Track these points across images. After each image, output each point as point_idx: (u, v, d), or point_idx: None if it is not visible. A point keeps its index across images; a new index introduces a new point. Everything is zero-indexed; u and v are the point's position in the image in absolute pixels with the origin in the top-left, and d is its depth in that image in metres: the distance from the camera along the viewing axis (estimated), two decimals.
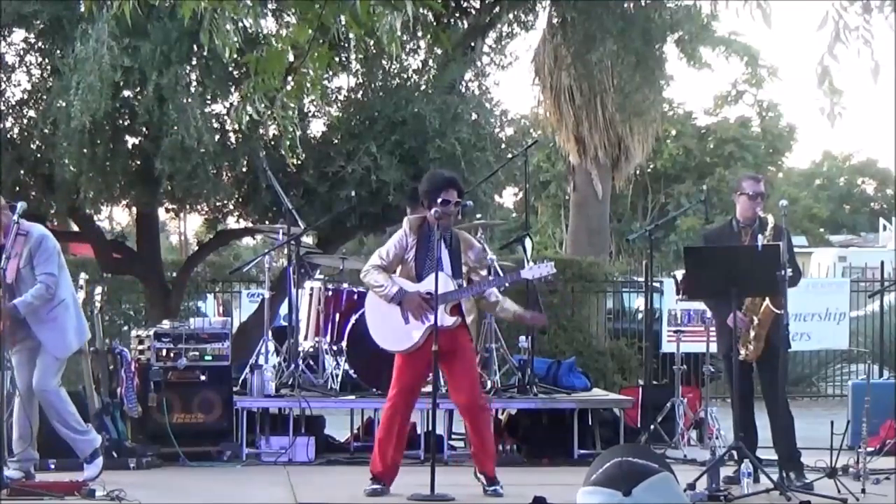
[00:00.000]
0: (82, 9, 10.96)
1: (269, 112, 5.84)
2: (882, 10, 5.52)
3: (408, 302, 8.24)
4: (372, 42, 11.02)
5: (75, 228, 13.60)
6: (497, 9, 13.78)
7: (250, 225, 12.74)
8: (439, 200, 8.20)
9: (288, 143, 6.40)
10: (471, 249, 8.41)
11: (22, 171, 11.40)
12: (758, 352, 8.73)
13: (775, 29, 5.67)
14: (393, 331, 8.35)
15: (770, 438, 9.02)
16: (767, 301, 8.71)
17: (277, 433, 10.13)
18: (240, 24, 5.80)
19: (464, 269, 8.37)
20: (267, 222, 11.70)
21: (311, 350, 10.59)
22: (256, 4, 5.81)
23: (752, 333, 8.72)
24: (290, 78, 5.95)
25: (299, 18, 5.39)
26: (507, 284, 8.48)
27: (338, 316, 10.46)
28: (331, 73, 11.26)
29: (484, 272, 8.66)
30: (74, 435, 8.69)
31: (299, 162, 11.48)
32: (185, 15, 5.59)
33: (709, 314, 10.61)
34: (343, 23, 5.34)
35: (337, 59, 10.77)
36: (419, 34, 12.12)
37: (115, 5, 5.81)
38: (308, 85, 5.85)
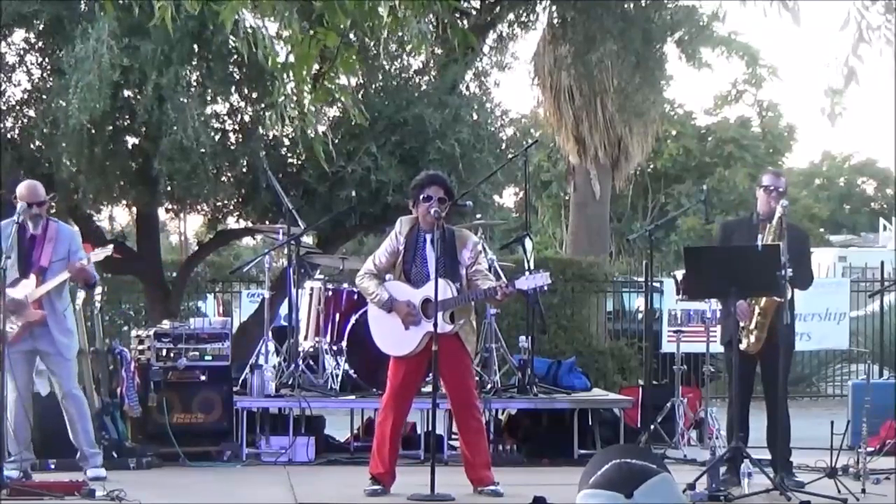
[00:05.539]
0: (83, 8, 11.01)
1: (301, 116, 5.84)
2: None
3: (397, 311, 8.26)
4: (373, 43, 11.03)
5: (75, 228, 13.58)
6: (497, 9, 13.78)
7: (250, 225, 12.73)
8: (421, 197, 8.22)
9: (321, 147, 6.39)
10: (465, 248, 8.32)
11: (22, 171, 11.38)
12: (759, 343, 8.67)
13: (776, 29, 5.64)
14: (394, 335, 8.34)
15: (761, 438, 9.01)
16: None
17: (277, 433, 10.12)
18: (273, 33, 5.80)
19: (462, 270, 8.32)
20: (267, 222, 11.69)
21: (311, 350, 10.59)
22: (292, 10, 5.76)
23: (754, 323, 8.69)
24: (316, 83, 5.95)
25: (327, 23, 5.37)
26: (499, 294, 8.21)
27: (338, 316, 10.46)
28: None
29: (483, 265, 8.55)
30: (88, 448, 8.77)
31: (300, 162, 11.52)
32: (225, 21, 5.58)
33: (709, 314, 10.62)
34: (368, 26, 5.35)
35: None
36: (435, 37, 12.08)
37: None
38: (334, 89, 5.86)
